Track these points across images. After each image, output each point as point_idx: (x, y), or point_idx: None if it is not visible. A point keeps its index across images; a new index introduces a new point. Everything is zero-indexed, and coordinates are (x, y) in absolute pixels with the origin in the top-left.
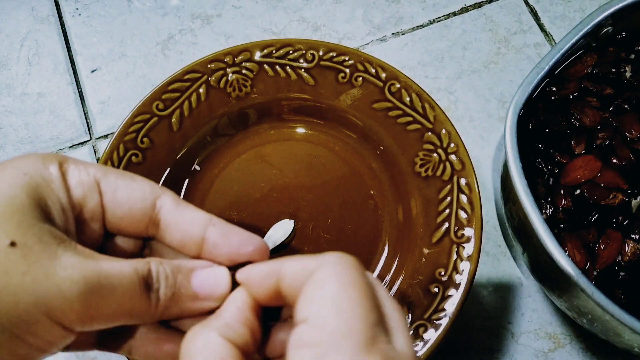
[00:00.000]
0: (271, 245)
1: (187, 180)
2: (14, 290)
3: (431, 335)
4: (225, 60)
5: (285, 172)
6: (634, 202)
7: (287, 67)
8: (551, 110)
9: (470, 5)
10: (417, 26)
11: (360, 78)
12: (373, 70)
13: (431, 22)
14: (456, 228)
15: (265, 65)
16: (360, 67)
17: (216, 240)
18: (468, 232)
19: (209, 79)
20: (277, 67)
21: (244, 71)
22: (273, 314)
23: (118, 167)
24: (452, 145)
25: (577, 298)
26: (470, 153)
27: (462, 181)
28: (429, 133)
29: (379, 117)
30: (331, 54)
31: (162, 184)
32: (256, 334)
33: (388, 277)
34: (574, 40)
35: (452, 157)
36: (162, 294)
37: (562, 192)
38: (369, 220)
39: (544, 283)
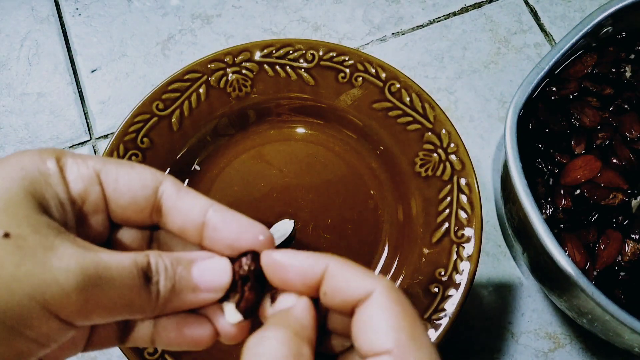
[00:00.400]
0: None
1: (187, 180)
2: (8, 281)
3: (431, 335)
4: (225, 60)
5: (285, 172)
6: (634, 202)
7: (287, 67)
8: (551, 110)
9: (470, 5)
10: (417, 26)
11: (360, 78)
12: (373, 70)
13: (431, 22)
14: (456, 228)
15: (265, 65)
16: (360, 67)
17: (216, 225)
18: (468, 232)
19: (209, 79)
20: (277, 67)
21: (244, 71)
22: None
23: None
24: (452, 145)
25: (577, 298)
26: (470, 153)
27: (462, 181)
28: (429, 133)
29: (379, 117)
30: (331, 54)
31: None
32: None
33: (388, 277)
34: (574, 40)
35: (452, 157)
36: (162, 287)
37: (562, 192)
38: (369, 220)
39: (544, 283)
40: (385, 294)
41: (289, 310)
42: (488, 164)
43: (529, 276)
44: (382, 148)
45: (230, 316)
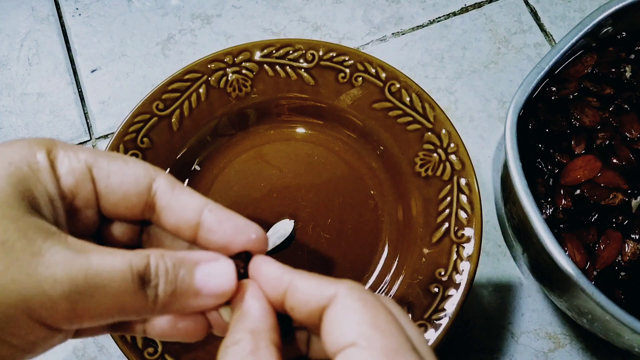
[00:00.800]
0: (271, 246)
1: (187, 180)
2: None
3: (431, 335)
4: (225, 60)
5: (285, 172)
6: (634, 202)
7: (287, 67)
8: (551, 110)
9: (470, 5)
10: (417, 26)
11: (360, 78)
12: (373, 70)
13: (431, 22)
14: (456, 228)
15: (265, 65)
16: (360, 67)
17: (211, 226)
18: (468, 232)
19: (209, 79)
20: (277, 67)
21: (244, 71)
22: None
23: None
24: (452, 145)
25: (577, 298)
26: (470, 153)
27: (462, 181)
28: (429, 133)
29: (379, 117)
30: (331, 54)
31: None
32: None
33: (388, 277)
34: (574, 40)
35: (452, 157)
36: (161, 291)
37: (562, 192)
38: (369, 220)
39: (544, 283)
40: (347, 293)
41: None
42: (488, 164)
43: (529, 276)
44: (382, 148)
45: (227, 315)
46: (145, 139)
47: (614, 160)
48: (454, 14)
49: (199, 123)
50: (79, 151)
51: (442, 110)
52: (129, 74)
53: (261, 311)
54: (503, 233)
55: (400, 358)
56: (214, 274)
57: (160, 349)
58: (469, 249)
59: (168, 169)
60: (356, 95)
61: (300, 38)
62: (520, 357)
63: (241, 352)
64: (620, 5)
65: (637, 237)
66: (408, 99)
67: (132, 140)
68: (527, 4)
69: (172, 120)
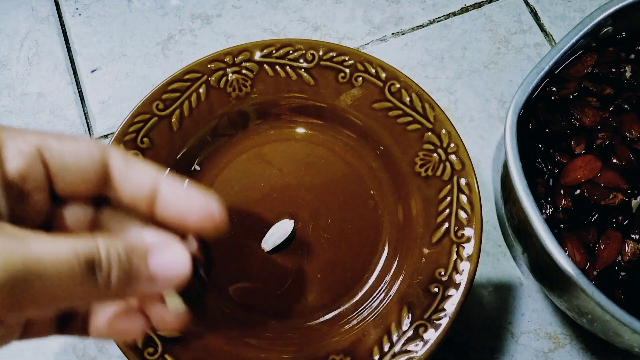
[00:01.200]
0: (271, 246)
1: (187, 181)
2: None
3: (431, 335)
4: (225, 60)
5: (285, 172)
6: (634, 202)
7: (287, 67)
8: (551, 110)
9: (470, 5)
10: (417, 26)
11: (360, 78)
12: (373, 70)
13: (431, 22)
14: (456, 228)
15: (265, 65)
16: (360, 67)
17: (167, 195)
18: (468, 232)
19: (209, 79)
20: (277, 67)
21: (244, 71)
22: None
23: None
24: (452, 145)
25: (577, 298)
26: (470, 153)
27: (462, 181)
28: (429, 133)
29: (379, 117)
30: (331, 54)
31: None
32: None
33: (388, 277)
34: (574, 40)
35: (452, 157)
36: (114, 277)
37: (562, 192)
38: (369, 220)
39: (544, 283)
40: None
41: None
42: (488, 164)
43: (529, 276)
44: (382, 148)
45: (174, 305)
46: (145, 139)
47: (614, 160)
48: (454, 14)
49: (199, 123)
50: (26, 134)
51: (442, 110)
52: (129, 74)
53: None
54: (503, 233)
55: None
56: (169, 261)
57: (160, 349)
58: (469, 249)
59: (168, 169)
60: (356, 95)
61: (300, 38)
62: (520, 357)
63: None
64: (620, 5)
65: (637, 237)
66: (408, 99)
67: (132, 140)
68: (527, 4)
69: (172, 120)
